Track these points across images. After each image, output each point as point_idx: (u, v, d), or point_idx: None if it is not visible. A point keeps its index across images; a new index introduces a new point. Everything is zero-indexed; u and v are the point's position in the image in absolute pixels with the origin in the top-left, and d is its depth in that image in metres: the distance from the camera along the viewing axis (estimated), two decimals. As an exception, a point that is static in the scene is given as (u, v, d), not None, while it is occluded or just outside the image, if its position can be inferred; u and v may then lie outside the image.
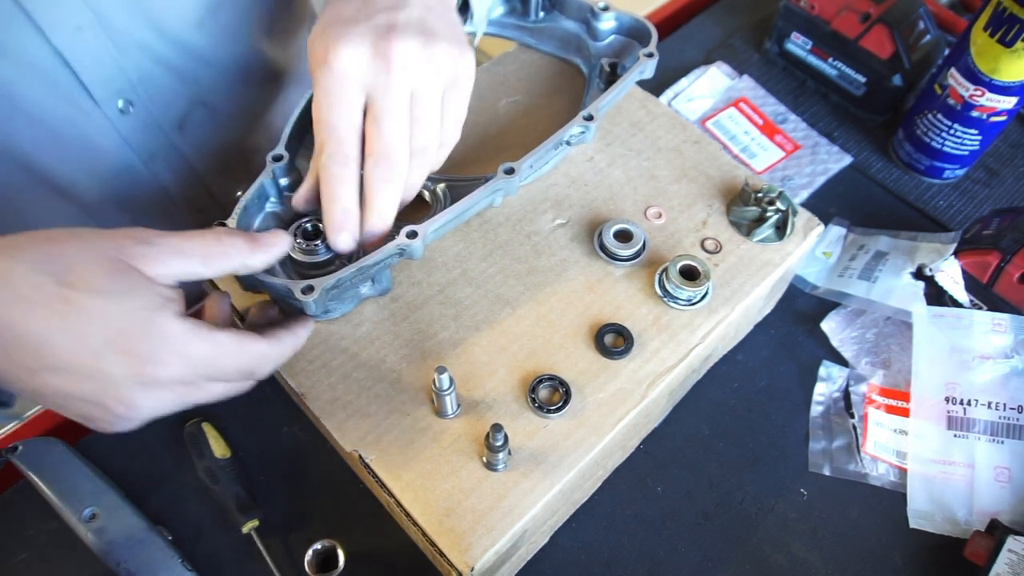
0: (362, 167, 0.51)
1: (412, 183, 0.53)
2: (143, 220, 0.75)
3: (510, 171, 0.58)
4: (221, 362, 0.45)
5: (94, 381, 0.41)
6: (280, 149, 0.57)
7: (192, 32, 0.68)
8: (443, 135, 0.54)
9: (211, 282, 0.62)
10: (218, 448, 0.65)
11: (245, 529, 0.61)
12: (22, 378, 0.41)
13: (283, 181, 0.59)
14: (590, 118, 0.61)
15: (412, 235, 0.54)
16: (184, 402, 0.45)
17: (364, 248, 0.54)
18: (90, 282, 0.41)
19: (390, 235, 0.54)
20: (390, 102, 0.50)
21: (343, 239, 0.52)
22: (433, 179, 0.64)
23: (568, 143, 0.63)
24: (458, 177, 0.63)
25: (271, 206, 0.59)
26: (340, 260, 0.57)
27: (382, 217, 0.52)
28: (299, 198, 0.55)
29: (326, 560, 0.59)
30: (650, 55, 0.66)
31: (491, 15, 0.72)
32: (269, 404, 0.69)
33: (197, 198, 0.77)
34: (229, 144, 0.56)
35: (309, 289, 0.51)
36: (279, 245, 0.50)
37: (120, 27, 0.62)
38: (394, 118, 0.50)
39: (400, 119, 0.50)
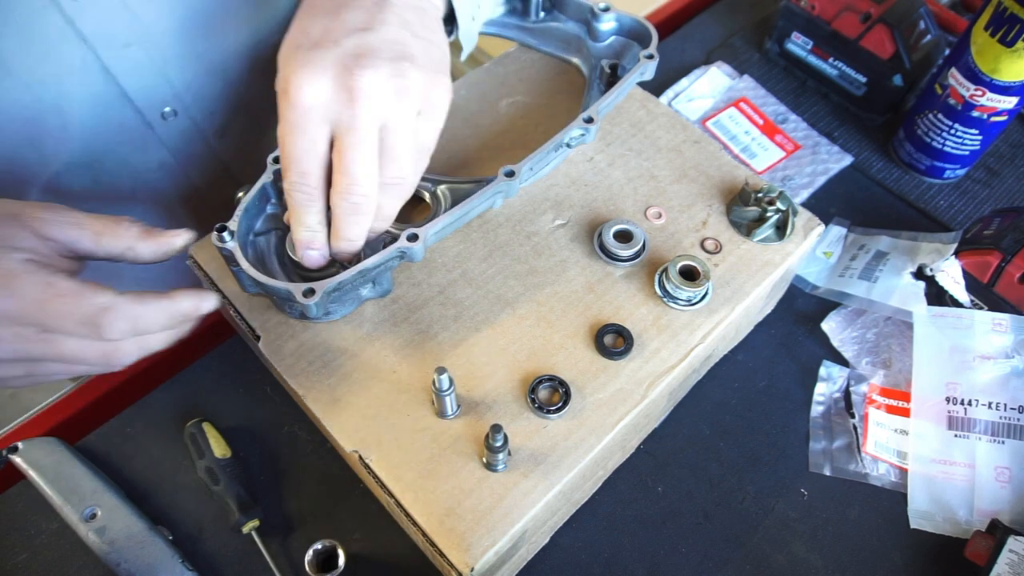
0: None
1: (385, 214, 0.52)
2: (169, 213, 0.75)
3: (510, 174, 0.58)
4: (51, 305, 0.45)
5: None
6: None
7: (242, 35, 0.67)
8: (415, 165, 0.52)
9: (210, 281, 0.62)
10: (218, 448, 0.65)
11: (245, 529, 0.61)
12: None
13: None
14: (590, 120, 0.61)
15: (413, 238, 0.54)
16: (32, 351, 0.45)
17: (358, 256, 0.55)
18: None
19: (391, 238, 0.54)
20: (355, 137, 0.48)
21: (309, 257, 0.53)
22: (433, 180, 0.64)
23: (568, 145, 0.63)
24: (458, 179, 0.63)
25: (272, 207, 0.59)
26: (341, 263, 0.57)
27: (351, 244, 0.52)
28: (287, 216, 0.55)
29: (326, 560, 0.59)
30: (650, 57, 0.66)
31: (483, 20, 0.71)
32: (269, 404, 0.69)
33: (229, 199, 0.77)
34: (268, 150, 0.56)
35: (310, 292, 0.51)
36: (173, 242, 0.51)
37: (169, 39, 0.62)
38: (360, 152, 0.48)
39: (366, 154, 0.48)
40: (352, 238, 0.52)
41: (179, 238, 0.52)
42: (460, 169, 0.69)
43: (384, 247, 0.54)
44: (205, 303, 0.51)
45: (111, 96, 0.62)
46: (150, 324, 0.48)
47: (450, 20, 0.63)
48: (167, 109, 0.66)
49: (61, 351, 0.46)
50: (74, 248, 0.49)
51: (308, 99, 0.47)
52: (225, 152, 0.74)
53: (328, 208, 0.51)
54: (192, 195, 0.75)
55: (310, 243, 0.52)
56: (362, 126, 0.48)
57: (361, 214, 0.50)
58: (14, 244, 0.46)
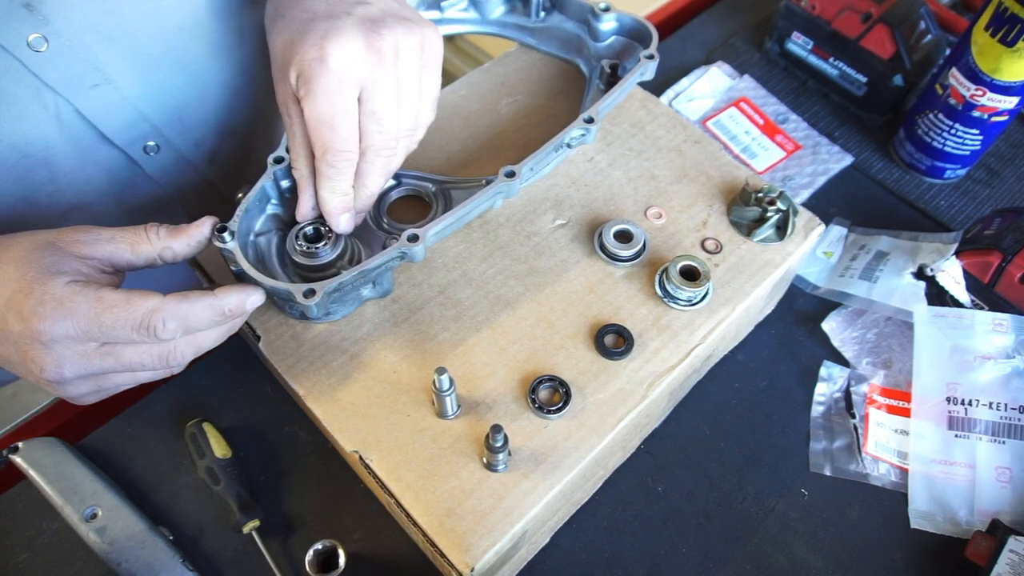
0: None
1: (398, 163, 0.56)
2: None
3: (511, 174, 0.58)
4: (105, 317, 0.46)
5: (7, 344, 0.47)
6: (281, 151, 0.57)
7: (218, 63, 0.68)
8: (421, 115, 0.56)
9: (210, 282, 0.62)
10: (219, 448, 0.65)
11: (246, 529, 0.61)
12: None
13: (284, 183, 0.59)
14: (591, 120, 0.61)
15: (413, 239, 0.54)
16: (96, 366, 0.48)
17: (360, 255, 0.56)
18: (12, 256, 0.47)
19: (392, 238, 0.55)
20: (387, 96, 0.52)
21: (345, 221, 0.56)
22: (434, 181, 0.64)
23: (569, 145, 0.62)
24: (459, 179, 0.63)
25: (272, 208, 0.59)
26: (341, 263, 0.57)
27: (372, 195, 0.56)
28: (303, 211, 0.57)
29: (326, 560, 0.59)
30: (651, 57, 0.66)
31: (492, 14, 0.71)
32: (269, 404, 0.69)
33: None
34: (258, 169, 0.57)
35: (311, 292, 0.51)
36: (202, 231, 0.53)
37: (138, 77, 0.62)
38: (391, 111, 0.52)
39: (395, 111, 0.53)
40: (374, 189, 0.56)
41: (205, 226, 0.53)
42: (460, 169, 0.69)
43: (384, 248, 0.54)
44: (251, 298, 0.52)
45: (91, 139, 0.63)
46: (199, 321, 0.49)
47: None
48: (150, 143, 0.66)
49: (122, 360, 0.48)
50: (113, 262, 0.51)
51: (345, 60, 0.50)
52: (216, 177, 0.75)
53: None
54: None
55: (346, 207, 0.55)
56: (391, 84, 0.52)
57: (389, 167, 0.55)
58: (58, 269, 0.47)
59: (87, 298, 0.46)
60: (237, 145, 0.74)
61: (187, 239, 0.53)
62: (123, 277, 0.53)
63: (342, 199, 0.55)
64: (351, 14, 0.52)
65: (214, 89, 0.69)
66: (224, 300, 0.50)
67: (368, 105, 0.52)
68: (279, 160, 0.57)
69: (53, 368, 0.46)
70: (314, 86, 0.50)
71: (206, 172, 0.73)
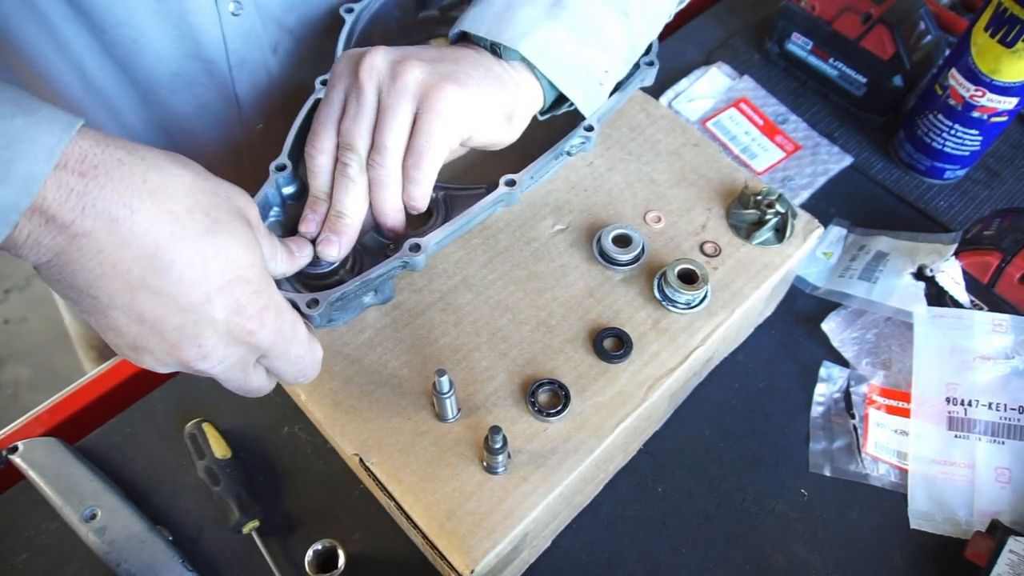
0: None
1: (354, 182, 0.54)
2: (195, 117, 0.71)
3: (511, 183, 0.58)
4: (291, 347, 0.46)
5: (188, 317, 0.40)
6: (283, 159, 0.57)
7: None
8: (400, 156, 0.53)
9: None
10: (219, 448, 0.65)
11: (245, 529, 0.62)
12: (112, 288, 0.39)
13: (286, 190, 0.58)
14: (591, 128, 0.61)
15: (415, 248, 0.54)
16: (236, 374, 0.45)
17: (362, 265, 0.55)
18: (233, 226, 0.42)
19: (394, 248, 0.54)
20: (351, 108, 0.52)
21: (391, 230, 0.56)
22: (437, 187, 0.64)
23: (569, 153, 0.62)
24: (458, 185, 0.63)
25: (275, 215, 0.59)
26: (343, 271, 0.57)
27: (394, 216, 0.55)
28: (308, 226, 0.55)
29: (326, 560, 0.59)
30: (651, 63, 0.66)
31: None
32: (270, 405, 0.69)
33: (253, 134, 0.75)
34: (298, 92, 0.57)
35: (314, 302, 0.51)
36: (303, 255, 0.53)
37: None
38: (353, 125, 0.52)
39: (359, 127, 0.52)
40: (390, 211, 0.54)
41: (304, 249, 0.53)
42: (460, 176, 0.69)
43: (387, 257, 0.54)
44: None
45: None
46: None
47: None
48: (232, 5, 0.62)
49: (252, 383, 0.47)
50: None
51: (376, 64, 0.51)
52: (276, 68, 0.71)
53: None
54: (228, 107, 0.71)
55: (392, 216, 0.54)
56: (363, 98, 0.51)
57: (346, 169, 0.53)
58: (265, 268, 0.45)
59: (296, 319, 0.46)
60: (294, 47, 0.71)
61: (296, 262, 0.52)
62: None
63: (385, 214, 0.54)
64: (405, 51, 0.53)
65: None
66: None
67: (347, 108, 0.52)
68: (281, 167, 0.57)
69: (212, 360, 0.43)
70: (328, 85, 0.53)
71: (268, 58, 0.69)
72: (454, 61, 0.54)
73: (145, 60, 0.62)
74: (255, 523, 0.62)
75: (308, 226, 0.54)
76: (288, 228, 0.59)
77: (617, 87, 0.65)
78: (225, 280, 0.41)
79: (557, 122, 0.65)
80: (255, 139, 0.74)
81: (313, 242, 0.54)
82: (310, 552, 0.58)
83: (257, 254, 0.43)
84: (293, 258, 0.51)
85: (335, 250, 0.53)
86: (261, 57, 0.68)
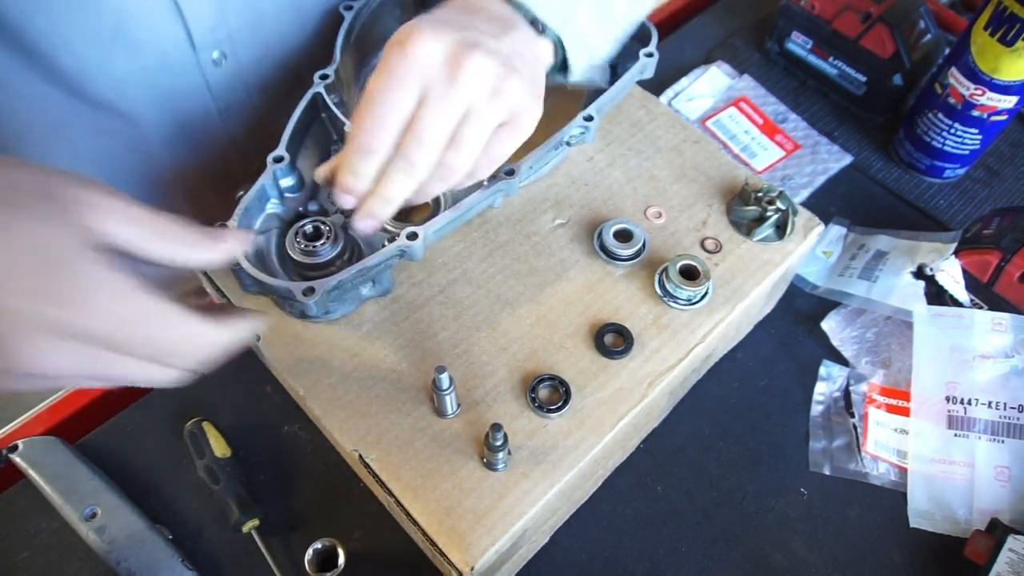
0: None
1: (426, 191, 0.51)
2: (198, 160, 0.71)
3: (510, 172, 0.58)
4: (147, 328, 0.39)
5: None
6: (281, 150, 0.57)
7: None
8: (476, 165, 0.51)
9: (209, 279, 0.62)
10: (218, 447, 0.65)
11: (245, 529, 0.61)
12: None
13: (284, 182, 0.59)
14: (590, 118, 0.61)
15: (412, 236, 0.54)
16: (89, 373, 0.39)
17: (360, 253, 0.54)
18: (30, 208, 0.37)
19: (391, 237, 0.54)
20: (439, 111, 0.48)
21: (345, 200, 0.51)
22: None
23: (568, 143, 0.62)
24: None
25: (272, 207, 0.59)
26: (340, 261, 0.57)
27: (384, 204, 0.50)
28: (333, 167, 0.52)
29: (326, 560, 0.59)
30: (650, 55, 0.66)
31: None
32: (269, 404, 0.69)
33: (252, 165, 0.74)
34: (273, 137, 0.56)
35: (310, 291, 0.51)
36: (228, 243, 0.46)
37: None
38: (437, 128, 0.48)
39: (441, 131, 0.48)
40: (389, 199, 0.50)
41: (231, 238, 0.46)
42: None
43: (384, 245, 0.54)
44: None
45: (172, 28, 0.59)
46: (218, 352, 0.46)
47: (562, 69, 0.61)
48: (216, 53, 0.63)
49: (119, 373, 0.41)
50: (123, 246, 0.40)
51: (420, 56, 0.47)
52: (265, 108, 0.71)
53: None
54: (224, 149, 0.72)
55: (352, 188, 0.50)
56: (451, 104, 0.48)
57: (410, 177, 0.49)
58: (86, 240, 0.38)
59: (140, 296, 0.39)
60: (294, 83, 0.69)
61: (223, 248, 0.46)
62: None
63: (354, 181, 0.50)
64: (463, 31, 0.48)
65: (284, 6, 0.65)
66: (246, 329, 0.48)
67: (420, 109, 0.48)
68: (279, 159, 0.57)
69: (45, 364, 0.37)
70: (384, 64, 0.48)
71: (256, 99, 0.69)
72: (513, 48, 0.51)
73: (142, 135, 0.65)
74: (255, 522, 0.62)
75: (344, 200, 0.50)
76: (286, 220, 0.59)
77: (615, 78, 0.65)
78: (25, 262, 0.36)
79: (557, 115, 0.65)
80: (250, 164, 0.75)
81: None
82: (310, 551, 0.58)
83: (74, 237, 0.37)
84: (209, 243, 0.45)
85: (371, 227, 0.51)
86: (248, 99, 0.69)
